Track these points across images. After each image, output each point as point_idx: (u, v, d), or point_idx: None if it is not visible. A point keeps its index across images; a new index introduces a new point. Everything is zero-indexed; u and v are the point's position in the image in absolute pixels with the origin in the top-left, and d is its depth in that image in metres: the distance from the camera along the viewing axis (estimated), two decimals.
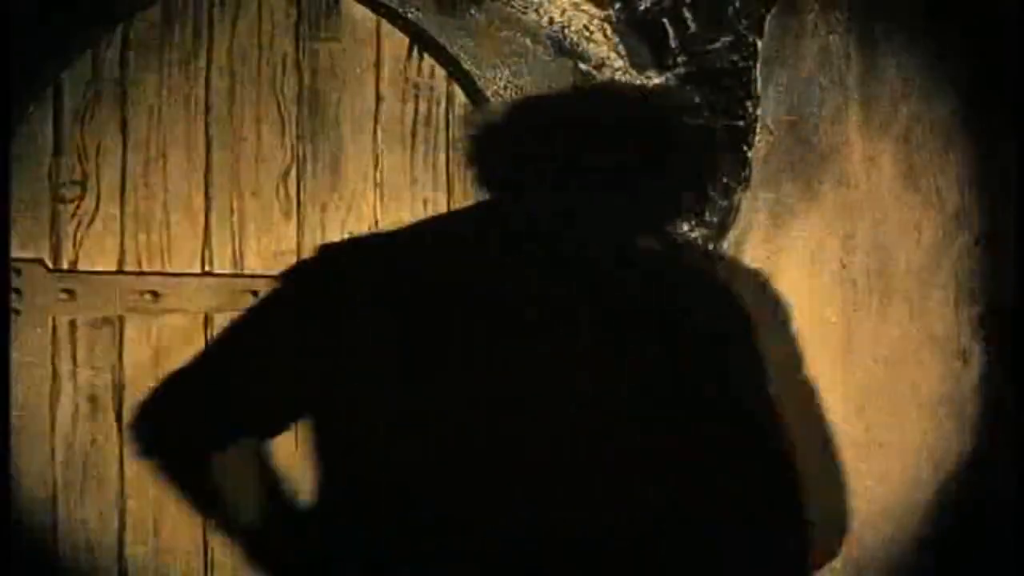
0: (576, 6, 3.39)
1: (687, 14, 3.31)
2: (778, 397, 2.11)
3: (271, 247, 3.50)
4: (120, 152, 3.44)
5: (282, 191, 3.51)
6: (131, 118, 3.45)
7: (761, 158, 3.17)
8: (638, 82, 3.43)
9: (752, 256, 3.05)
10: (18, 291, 3.38)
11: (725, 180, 3.15)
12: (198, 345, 3.47)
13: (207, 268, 3.48)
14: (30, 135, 3.39)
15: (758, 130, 3.18)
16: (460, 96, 3.57)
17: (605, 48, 3.46)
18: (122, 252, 3.45)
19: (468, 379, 2.12)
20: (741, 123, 3.20)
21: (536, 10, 3.48)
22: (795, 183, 3.06)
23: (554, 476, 2.08)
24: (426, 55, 3.57)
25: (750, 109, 3.22)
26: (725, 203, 3.12)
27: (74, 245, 3.42)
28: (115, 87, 3.44)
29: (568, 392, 2.09)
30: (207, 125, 3.48)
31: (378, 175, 3.54)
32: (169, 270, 3.46)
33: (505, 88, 3.61)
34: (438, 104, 3.57)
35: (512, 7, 3.49)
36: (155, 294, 3.45)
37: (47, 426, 3.42)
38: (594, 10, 3.37)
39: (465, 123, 3.40)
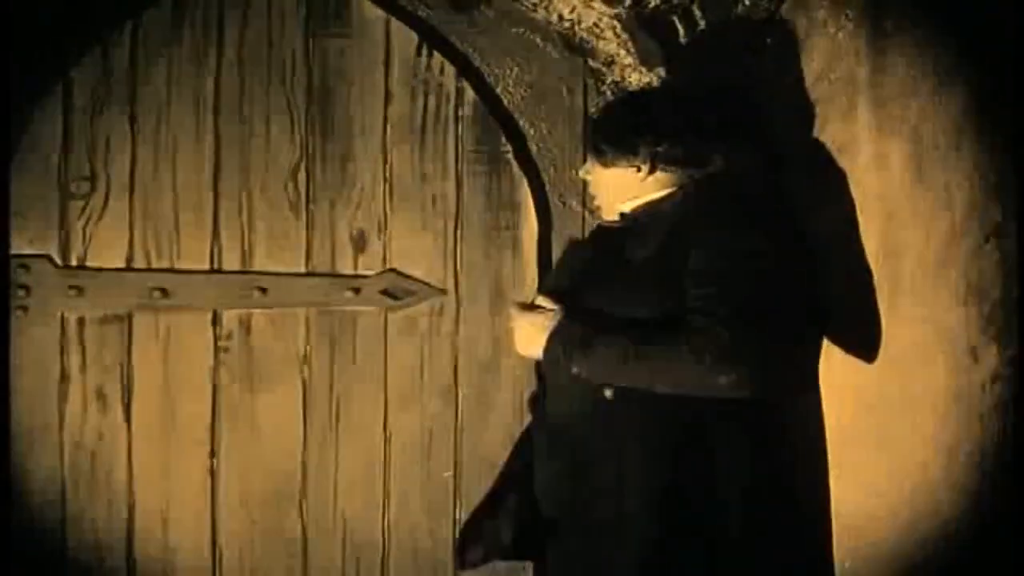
0: (586, 3, 3.38)
1: (696, 11, 3.30)
2: None
3: (280, 244, 3.50)
4: (129, 149, 3.45)
5: (291, 188, 3.51)
6: (140, 115, 3.45)
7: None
8: (647, 79, 3.43)
9: None
10: (26, 287, 3.39)
11: None
12: (206, 342, 3.48)
13: (216, 265, 3.49)
14: (39, 132, 3.40)
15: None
16: (470, 93, 3.56)
17: (614, 45, 3.46)
18: (131, 249, 3.45)
19: None
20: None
21: (546, 7, 3.47)
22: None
23: None
24: (436, 52, 3.56)
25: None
26: None
27: (83, 241, 3.43)
28: (124, 84, 3.45)
29: None
30: (216, 122, 3.48)
31: (387, 172, 3.54)
32: (178, 267, 3.47)
33: (514, 85, 3.60)
34: (447, 101, 3.56)
35: (522, 4, 3.48)
36: (164, 291, 3.45)
37: (55, 423, 3.44)
38: (604, 7, 3.36)
39: None
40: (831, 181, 2.96)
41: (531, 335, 2.90)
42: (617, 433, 2.80)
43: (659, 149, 2.89)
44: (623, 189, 2.96)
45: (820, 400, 2.98)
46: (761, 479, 2.79)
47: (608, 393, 2.80)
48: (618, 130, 2.97)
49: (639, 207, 2.94)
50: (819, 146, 3.02)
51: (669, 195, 2.91)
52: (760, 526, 2.79)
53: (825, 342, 2.95)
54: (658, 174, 2.91)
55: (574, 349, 2.82)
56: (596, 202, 3.12)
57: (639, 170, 2.92)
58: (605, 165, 2.98)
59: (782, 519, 2.83)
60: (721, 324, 2.66)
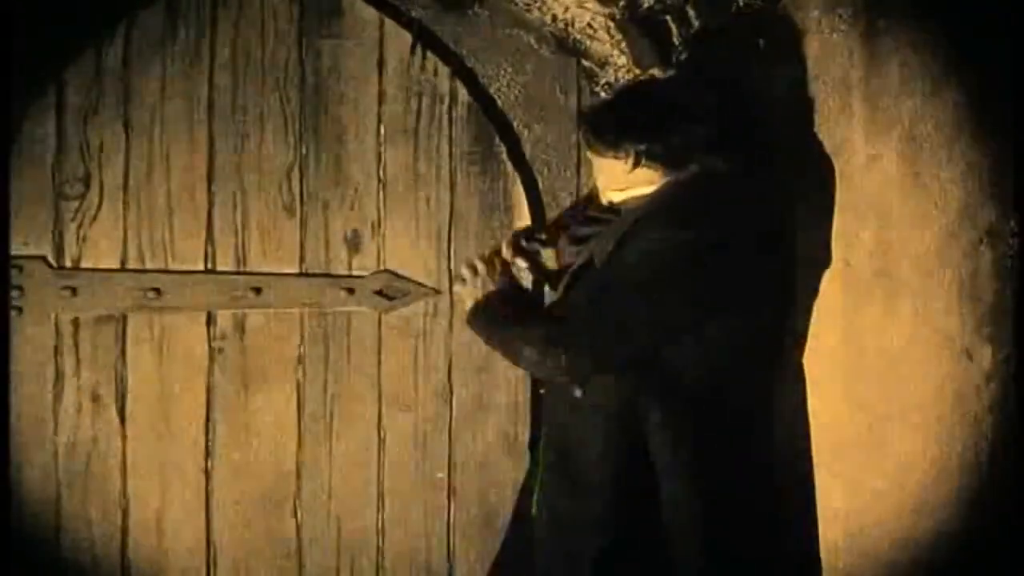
0: (579, 3, 3.38)
1: (691, 12, 3.30)
2: None
3: (274, 244, 3.50)
4: (123, 149, 3.44)
5: (285, 188, 3.51)
6: (134, 116, 3.45)
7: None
8: (642, 79, 3.43)
9: None
10: (20, 288, 3.38)
11: None
12: (201, 342, 3.48)
13: (210, 265, 3.48)
14: (33, 133, 3.39)
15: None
16: (463, 94, 3.56)
17: (608, 46, 3.46)
18: (125, 249, 3.45)
19: None
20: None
21: (539, 8, 3.48)
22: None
23: None
24: (429, 53, 3.56)
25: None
26: None
27: (77, 242, 3.43)
28: (118, 85, 3.44)
29: None
30: (210, 123, 3.48)
31: (381, 172, 3.54)
32: (172, 267, 3.46)
33: (508, 86, 3.60)
34: (441, 102, 3.56)
35: (515, 5, 3.49)
36: (158, 291, 3.45)
37: (50, 424, 3.43)
38: (597, 8, 3.37)
39: None
40: (823, 183, 2.97)
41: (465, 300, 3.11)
42: (585, 433, 2.84)
43: (641, 146, 2.90)
44: (613, 178, 2.97)
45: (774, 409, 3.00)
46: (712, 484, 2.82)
47: (578, 393, 2.83)
48: (605, 122, 2.98)
49: (627, 199, 2.95)
50: (812, 147, 3.03)
51: (649, 193, 2.93)
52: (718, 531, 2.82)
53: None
54: (643, 169, 2.91)
55: (476, 314, 3.05)
56: (594, 182, 3.14)
57: (625, 162, 2.93)
58: (594, 153, 3.01)
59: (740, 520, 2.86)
60: (572, 320, 2.83)
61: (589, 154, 3.07)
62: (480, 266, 3.07)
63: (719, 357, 2.79)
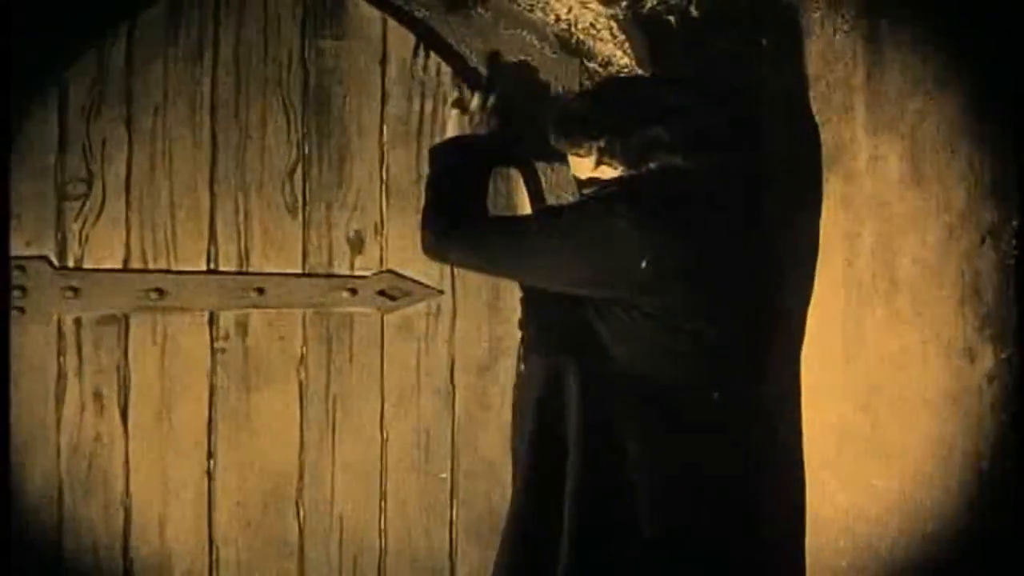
0: (582, 4, 3.38)
1: (694, 12, 3.30)
2: None
3: (277, 244, 3.50)
4: (126, 150, 3.45)
5: (288, 189, 3.51)
6: (137, 116, 3.45)
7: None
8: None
9: None
10: (23, 288, 3.39)
11: None
12: (203, 342, 3.48)
13: (213, 266, 3.48)
14: (35, 133, 3.40)
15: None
16: (466, 94, 3.56)
17: (611, 46, 3.46)
18: (127, 250, 3.45)
19: None
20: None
21: (542, 8, 3.47)
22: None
23: None
24: (432, 53, 3.56)
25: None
26: None
27: (79, 243, 3.43)
28: (121, 85, 3.44)
29: None
30: (213, 123, 3.48)
31: (384, 173, 3.54)
32: (175, 268, 3.47)
33: None
34: (444, 102, 3.55)
35: (518, 5, 3.48)
36: (161, 292, 3.45)
37: (52, 424, 3.44)
38: (600, 8, 3.36)
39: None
40: (818, 182, 2.98)
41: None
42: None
43: (601, 144, 2.91)
44: (582, 172, 3.02)
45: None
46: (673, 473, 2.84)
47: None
48: (569, 118, 3.02)
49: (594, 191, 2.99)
50: (812, 147, 3.03)
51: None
52: (673, 524, 2.84)
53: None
54: (606, 166, 2.93)
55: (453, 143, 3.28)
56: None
57: (588, 159, 2.96)
58: (560, 148, 3.03)
59: (699, 518, 2.87)
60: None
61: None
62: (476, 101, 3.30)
63: (646, 340, 2.83)
